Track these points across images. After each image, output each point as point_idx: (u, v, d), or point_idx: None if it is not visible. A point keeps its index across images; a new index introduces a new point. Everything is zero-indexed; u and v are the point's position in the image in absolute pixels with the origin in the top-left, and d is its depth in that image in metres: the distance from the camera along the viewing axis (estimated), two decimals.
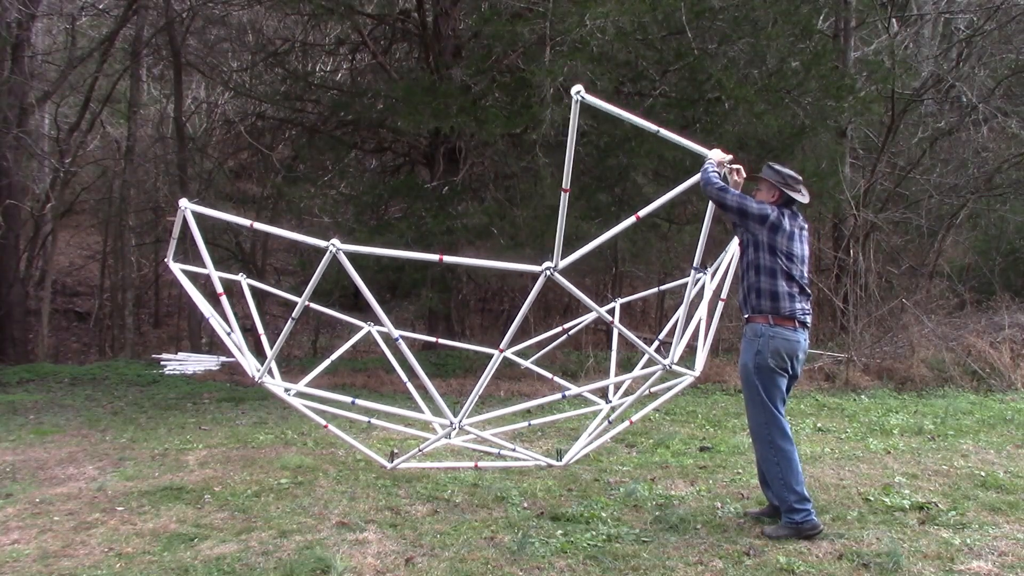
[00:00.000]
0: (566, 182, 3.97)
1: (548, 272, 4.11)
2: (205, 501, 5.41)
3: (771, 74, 11.72)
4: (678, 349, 4.53)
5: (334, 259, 4.21)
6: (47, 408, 9.69)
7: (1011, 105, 16.01)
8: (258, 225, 4.83)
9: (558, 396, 5.29)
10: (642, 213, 4.45)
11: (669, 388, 5.43)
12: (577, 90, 3.88)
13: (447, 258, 4.54)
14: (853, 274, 13.17)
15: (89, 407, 9.82)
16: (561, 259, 4.08)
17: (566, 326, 6.21)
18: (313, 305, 5.81)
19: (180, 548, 4.47)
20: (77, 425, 8.54)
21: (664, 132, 4.30)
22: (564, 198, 3.97)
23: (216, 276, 4.74)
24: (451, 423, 4.52)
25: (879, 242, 15.18)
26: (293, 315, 4.51)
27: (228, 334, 4.88)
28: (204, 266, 4.78)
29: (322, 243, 4.21)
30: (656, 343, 5.67)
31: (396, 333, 4.48)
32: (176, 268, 5.03)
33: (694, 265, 4.73)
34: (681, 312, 4.70)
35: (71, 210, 19.16)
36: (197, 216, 4.73)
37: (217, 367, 13.33)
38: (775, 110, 11.56)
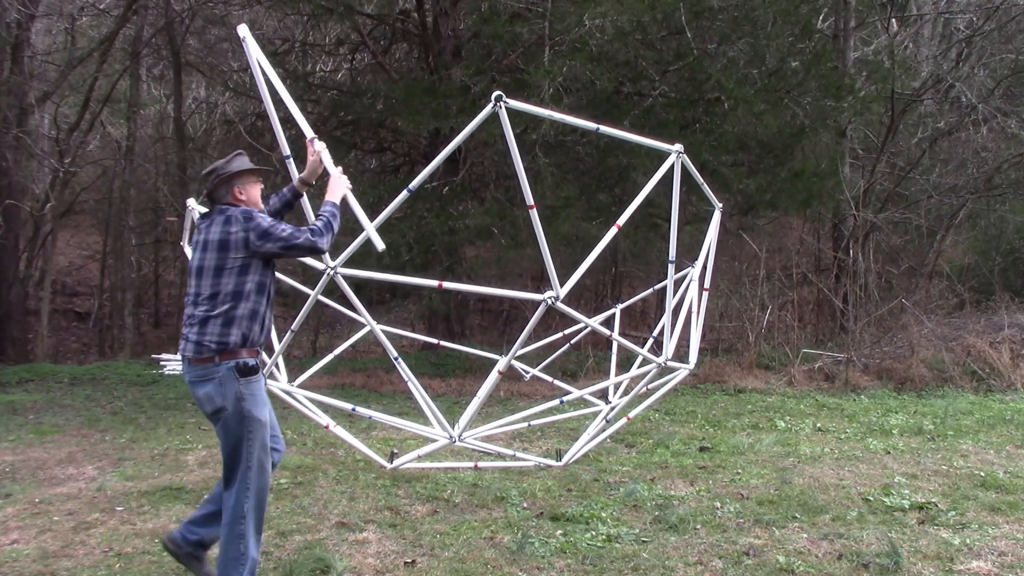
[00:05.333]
0: (529, 198, 3.78)
1: (549, 302, 3.93)
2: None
3: (771, 74, 11.73)
4: (671, 346, 4.53)
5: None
6: (47, 408, 9.68)
7: (1011, 105, 16.00)
8: None
9: (556, 402, 5.28)
10: (620, 221, 4.17)
11: (665, 383, 5.43)
12: (498, 95, 3.63)
13: (447, 284, 4.50)
14: (853, 274, 13.19)
15: (89, 407, 9.82)
16: (560, 284, 3.87)
17: (566, 332, 6.20)
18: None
19: None
20: (77, 425, 8.53)
21: (604, 128, 4.15)
22: (534, 215, 3.78)
23: None
24: (450, 437, 4.50)
25: (879, 242, 15.19)
26: (292, 327, 4.51)
27: None
28: None
29: (320, 265, 4.16)
30: (650, 341, 5.66)
31: (394, 352, 4.48)
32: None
33: (691, 263, 4.74)
34: (678, 310, 4.70)
35: (71, 210, 19.12)
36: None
37: None
38: (775, 110, 11.57)
